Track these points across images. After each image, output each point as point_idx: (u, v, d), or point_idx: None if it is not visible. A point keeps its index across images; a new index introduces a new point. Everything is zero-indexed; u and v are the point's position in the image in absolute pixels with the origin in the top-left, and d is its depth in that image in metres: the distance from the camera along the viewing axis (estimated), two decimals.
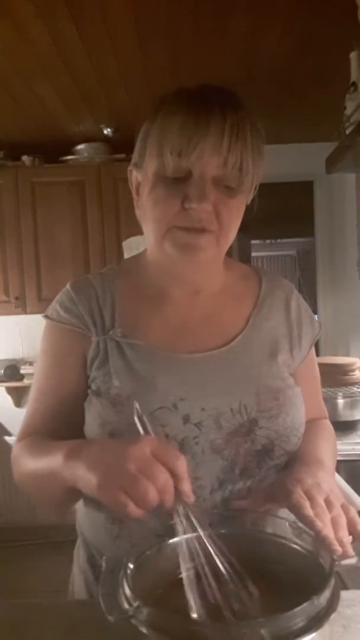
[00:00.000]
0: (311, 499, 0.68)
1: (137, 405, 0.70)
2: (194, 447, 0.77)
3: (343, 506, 0.69)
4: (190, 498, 0.63)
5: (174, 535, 0.64)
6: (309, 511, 0.65)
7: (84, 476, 0.65)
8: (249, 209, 0.84)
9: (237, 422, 0.79)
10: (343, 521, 0.67)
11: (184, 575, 0.58)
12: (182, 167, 0.74)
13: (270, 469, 0.81)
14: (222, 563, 0.59)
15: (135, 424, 0.68)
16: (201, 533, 0.62)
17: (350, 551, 0.62)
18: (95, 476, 0.63)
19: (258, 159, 0.76)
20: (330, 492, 0.71)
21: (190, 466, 0.75)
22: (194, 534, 0.62)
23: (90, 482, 0.63)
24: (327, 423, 0.98)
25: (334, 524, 0.65)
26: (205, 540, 0.61)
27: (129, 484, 0.60)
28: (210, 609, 0.54)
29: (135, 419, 0.69)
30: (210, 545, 0.61)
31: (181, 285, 0.86)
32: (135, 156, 0.83)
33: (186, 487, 0.63)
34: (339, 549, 0.61)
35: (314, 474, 0.74)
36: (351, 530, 0.66)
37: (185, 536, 0.62)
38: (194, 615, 0.53)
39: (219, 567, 0.59)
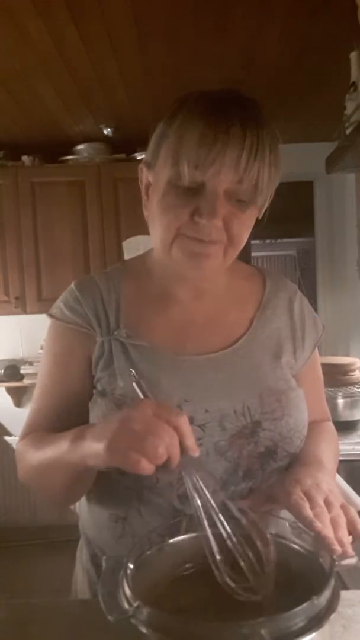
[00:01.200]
0: (310, 499, 0.68)
1: (133, 372, 0.71)
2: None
3: (343, 506, 0.70)
4: (195, 452, 0.64)
5: (176, 534, 0.64)
6: (307, 512, 0.66)
7: (91, 449, 0.66)
8: (261, 220, 0.84)
9: (240, 424, 0.79)
10: (343, 521, 0.67)
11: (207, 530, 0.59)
12: (196, 179, 0.73)
13: (273, 471, 0.81)
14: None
15: (144, 395, 0.69)
16: (209, 497, 0.63)
17: (350, 551, 0.62)
18: (102, 443, 0.64)
19: (274, 176, 0.76)
20: (329, 492, 0.71)
21: None
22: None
23: (99, 451, 0.64)
24: (330, 425, 0.98)
25: (334, 524, 0.65)
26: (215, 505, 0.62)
27: (138, 443, 0.61)
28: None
29: (134, 384, 0.69)
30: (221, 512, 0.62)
31: (186, 287, 0.86)
32: (148, 155, 0.82)
33: (190, 442, 0.64)
34: (338, 548, 0.61)
35: (313, 475, 0.74)
36: (351, 530, 0.67)
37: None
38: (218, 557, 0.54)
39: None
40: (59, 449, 0.73)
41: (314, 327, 0.93)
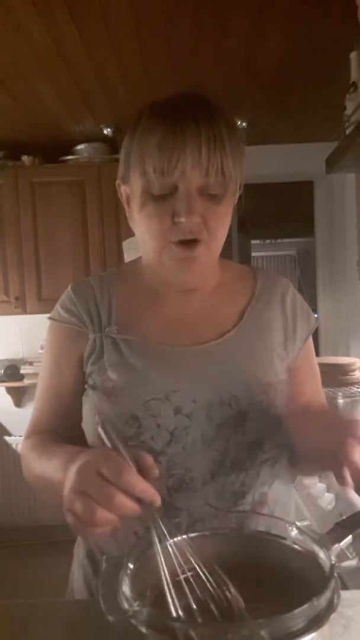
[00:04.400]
0: None
1: (97, 417, 0.72)
2: (185, 438, 0.80)
3: None
4: (156, 502, 0.62)
5: (175, 534, 0.64)
6: None
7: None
8: (239, 208, 0.86)
9: (227, 414, 0.81)
10: None
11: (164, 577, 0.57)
12: (166, 184, 0.77)
13: (263, 462, 0.83)
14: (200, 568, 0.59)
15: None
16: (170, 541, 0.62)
17: None
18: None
19: (239, 160, 0.79)
20: None
21: (182, 457, 0.79)
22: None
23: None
24: None
25: None
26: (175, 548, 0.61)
27: (78, 507, 0.60)
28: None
29: (99, 429, 0.69)
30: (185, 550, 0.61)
31: (176, 288, 0.88)
32: (121, 171, 0.86)
33: (145, 495, 0.61)
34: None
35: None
36: None
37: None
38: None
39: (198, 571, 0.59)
40: (53, 472, 0.73)
41: (306, 319, 0.94)
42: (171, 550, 0.62)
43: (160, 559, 0.58)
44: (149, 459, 0.64)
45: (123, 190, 0.87)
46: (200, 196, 0.77)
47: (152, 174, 0.76)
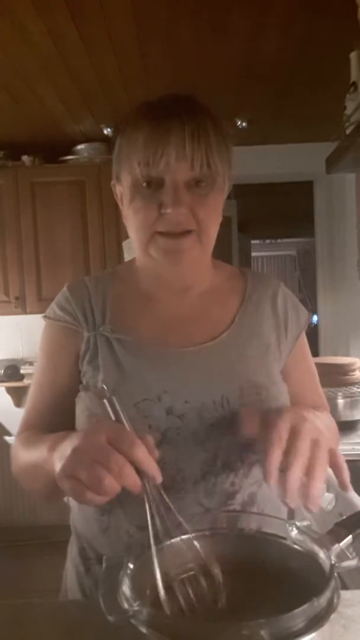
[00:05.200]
0: (296, 434, 0.65)
1: (104, 386, 0.71)
2: (176, 438, 0.80)
3: (331, 452, 0.67)
4: (157, 479, 0.63)
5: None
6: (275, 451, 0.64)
7: (54, 468, 0.66)
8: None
9: (218, 415, 0.81)
10: (320, 471, 0.64)
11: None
12: (153, 177, 0.78)
13: (253, 463, 0.83)
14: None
15: (115, 413, 0.68)
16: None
17: (315, 507, 0.62)
18: (57, 467, 0.65)
19: (226, 155, 0.81)
20: (319, 433, 0.67)
21: (173, 456, 0.79)
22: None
23: (55, 474, 0.65)
24: (329, 416, 0.95)
25: (308, 470, 0.63)
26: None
27: (83, 472, 0.61)
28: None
29: (105, 401, 0.68)
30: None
31: (169, 286, 0.89)
32: (114, 170, 0.88)
33: (150, 470, 0.62)
34: (290, 503, 0.61)
35: (310, 411, 0.72)
36: (337, 475, 0.67)
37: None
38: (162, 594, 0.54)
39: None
40: (40, 454, 0.74)
41: (297, 317, 0.95)
42: (170, 550, 0.62)
43: (156, 559, 0.58)
44: (150, 441, 0.65)
45: (118, 189, 0.89)
46: (187, 189, 0.79)
47: (137, 167, 0.78)
